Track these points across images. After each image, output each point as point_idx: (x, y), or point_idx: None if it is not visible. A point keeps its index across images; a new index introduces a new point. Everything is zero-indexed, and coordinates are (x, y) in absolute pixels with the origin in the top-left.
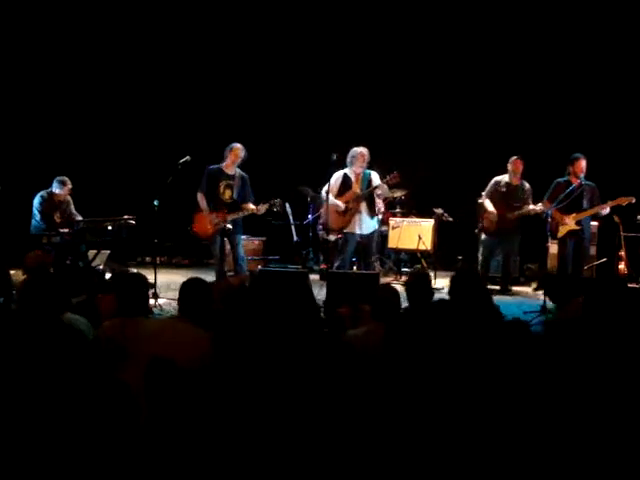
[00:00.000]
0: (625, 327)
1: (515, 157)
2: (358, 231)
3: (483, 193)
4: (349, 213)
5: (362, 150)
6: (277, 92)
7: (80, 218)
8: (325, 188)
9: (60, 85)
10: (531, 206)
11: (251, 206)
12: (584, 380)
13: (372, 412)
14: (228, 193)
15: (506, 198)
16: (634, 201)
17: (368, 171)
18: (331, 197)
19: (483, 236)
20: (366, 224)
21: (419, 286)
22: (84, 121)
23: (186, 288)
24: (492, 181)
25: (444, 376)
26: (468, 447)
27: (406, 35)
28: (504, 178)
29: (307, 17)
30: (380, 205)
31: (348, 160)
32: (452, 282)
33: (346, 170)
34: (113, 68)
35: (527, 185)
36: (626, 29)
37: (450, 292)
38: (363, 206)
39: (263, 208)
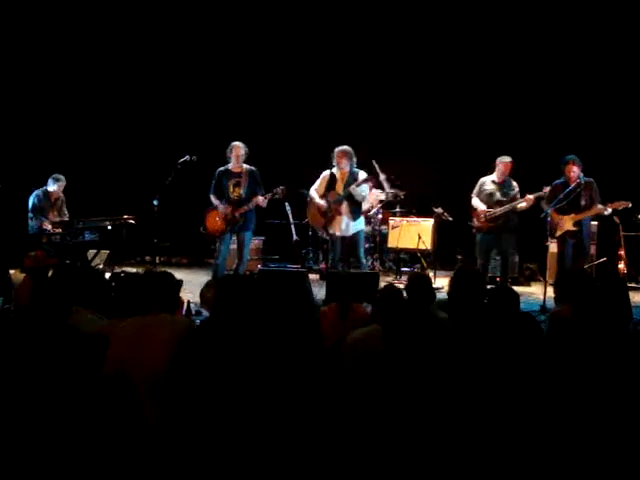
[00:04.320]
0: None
1: (509, 160)
2: (339, 233)
3: (472, 194)
4: (330, 214)
5: (341, 149)
6: (277, 92)
7: (67, 217)
8: (312, 187)
9: (60, 85)
10: (514, 202)
11: (258, 198)
12: (579, 380)
13: (370, 413)
14: (237, 190)
15: (493, 196)
16: (630, 205)
17: (357, 170)
18: (316, 196)
19: (477, 236)
20: (346, 226)
21: (420, 288)
22: (84, 121)
23: (154, 283)
24: (479, 181)
25: (443, 378)
26: (471, 447)
27: (406, 35)
28: (489, 177)
29: (307, 19)
30: (374, 204)
31: (333, 161)
32: (452, 282)
33: (334, 169)
34: (113, 68)
35: (514, 182)
36: (625, 29)
37: (450, 293)
38: (344, 208)
39: (267, 198)
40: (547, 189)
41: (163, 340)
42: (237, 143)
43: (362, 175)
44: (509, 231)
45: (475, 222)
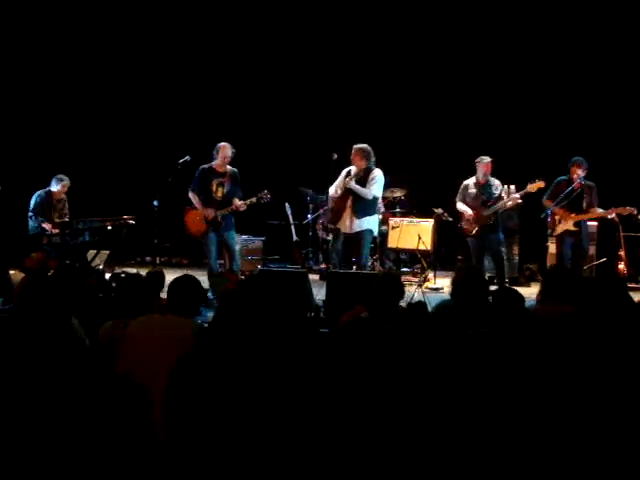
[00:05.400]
0: (619, 329)
1: (489, 160)
2: (343, 229)
3: (456, 199)
4: (336, 210)
5: (356, 147)
6: (277, 92)
7: (68, 218)
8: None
9: (60, 85)
10: (502, 201)
11: (237, 202)
12: (573, 378)
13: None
14: (220, 191)
15: (478, 198)
16: (635, 212)
17: (372, 167)
18: (332, 190)
19: (468, 239)
20: (350, 223)
21: (388, 287)
22: (84, 121)
23: (177, 285)
24: (461, 185)
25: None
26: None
27: (406, 35)
28: (471, 180)
29: (307, 19)
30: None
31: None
32: (454, 283)
33: (353, 167)
34: (113, 68)
35: (496, 181)
36: (628, 31)
37: (452, 294)
38: (348, 204)
39: (248, 202)
40: (534, 185)
41: (170, 342)
42: (224, 144)
43: (374, 173)
44: (496, 231)
45: (464, 225)
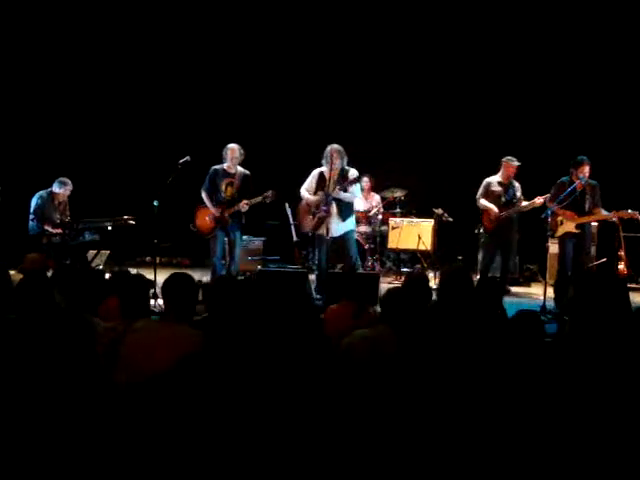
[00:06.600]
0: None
1: (517, 164)
2: (327, 234)
3: (477, 196)
4: (319, 217)
5: (336, 147)
6: (276, 93)
7: (68, 219)
8: (303, 187)
9: (60, 86)
10: (524, 202)
11: (245, 200)
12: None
13: (381, 414)
14: (230, 190)
15: (502, 198)
16: (637, 216)
17: (347, 168)
18: (307, 194)
19: (484, 237)
20: (335, 226)
21: (418, 288)
22: (84, 122)
23: (171, 285)
24: (484, 182)
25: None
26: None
27: (405, 35)
28: (495, 178)
29: (307, 18)
30: (375, 204)
31: (323, 159)
32: (441, 283)
33: (322, 168)
34: (113, 68)
35: (517, 183)
36: (631, 32)
37: (439, 293)
38: (333, 208)
39: (252, 201)
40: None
41: (168, 349)
42: (233, 145)
43: (352, 174)
44: (514, 232)
45: (486, 223)
